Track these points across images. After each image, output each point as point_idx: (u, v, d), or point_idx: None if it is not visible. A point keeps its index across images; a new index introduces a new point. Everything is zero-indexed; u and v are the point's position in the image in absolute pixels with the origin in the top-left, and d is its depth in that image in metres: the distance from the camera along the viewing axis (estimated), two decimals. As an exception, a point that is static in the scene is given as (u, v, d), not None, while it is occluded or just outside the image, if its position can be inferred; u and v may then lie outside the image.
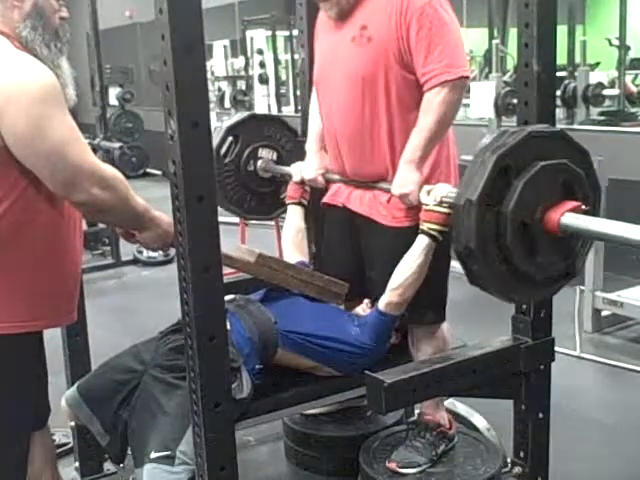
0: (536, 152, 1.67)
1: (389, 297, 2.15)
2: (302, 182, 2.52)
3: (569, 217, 1.64)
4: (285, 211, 2.63)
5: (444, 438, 2.33)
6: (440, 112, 2.14)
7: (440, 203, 2.02)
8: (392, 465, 2.24)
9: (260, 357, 2.10)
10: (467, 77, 2.18)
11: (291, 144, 2.76)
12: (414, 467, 2.24)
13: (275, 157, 2.71)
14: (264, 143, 2.71)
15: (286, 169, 2.61)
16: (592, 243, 1.82)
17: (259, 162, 2.69)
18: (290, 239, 2.54)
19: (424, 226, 2.06)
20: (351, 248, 2.41)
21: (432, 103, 2.14)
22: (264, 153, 2.70)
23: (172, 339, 2.06)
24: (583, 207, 1.67)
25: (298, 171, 2.52)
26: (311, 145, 2.53)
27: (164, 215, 1.95)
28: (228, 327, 1.99)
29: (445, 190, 2.02)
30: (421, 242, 2.08)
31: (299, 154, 2.63)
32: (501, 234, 1.64)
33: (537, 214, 1.66)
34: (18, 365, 1.86)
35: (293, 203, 2.57)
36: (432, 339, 2.31)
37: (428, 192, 2.07)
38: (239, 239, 4.99)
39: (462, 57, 2.18)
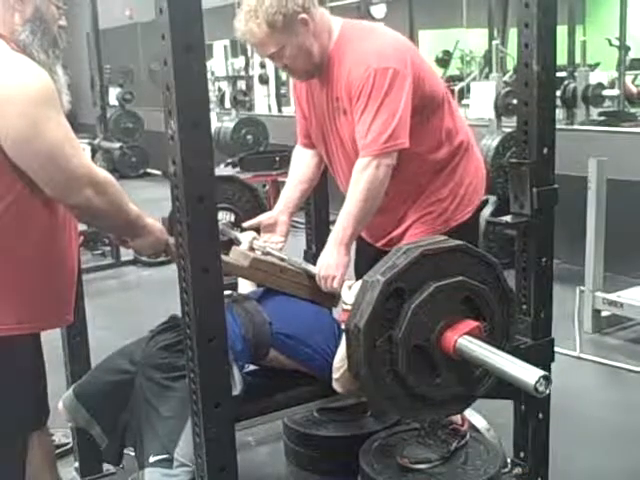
0: (431, 270, 1.63)
1: (335, 385, 2.10)
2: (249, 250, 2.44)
3: (465, 340, 1.60)
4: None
5: (457, 435, 2.33)
6: (365, 192, 2.14)
7: None
8: (404, 461, 2.24)
9: (251, 356, 2.10)
10: (395, 150, 2.14)
11: (250, 204, 2.69)
12: (426, 463, 2.24)
13: (233, 219, 2.64)
14: (221, 205, 2.62)
15: (239, 236, 2.51)
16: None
17: None
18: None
19: (343, 325, 1.91)
20: None
21: (359, 182, 2.15)
22: (220, 216, 2.62)
23: (162, 339, 2.06)
24: (483, 326, 1.63)
25: (246, 241, 2.44)
26: (280, 213, 2.49)
27: (157, 222, 1.96)
28: None
29: None
30: (345, 341, 1.98)
31: (259, 214, 2.57)
32: (394, 359, 1.61)
33: (434, 335, 1.62)
34: (16, 366, 1.86)
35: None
36: None
37: (349, 287, 2.00)
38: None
39: (394, 130, 2.13)
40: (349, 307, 1.90)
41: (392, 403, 1.67)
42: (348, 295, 1.99)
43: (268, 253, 2.38)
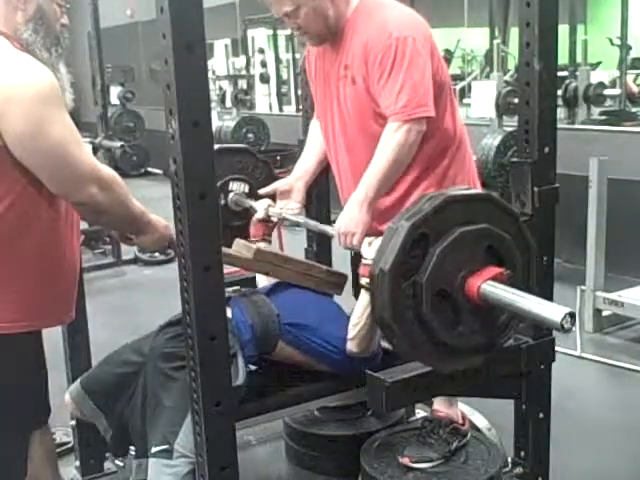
0: (456, 217, 1.64)
1: (349, 345, 2.12)
2: (264, 219, 2.48)
3: (489, 286, 1.60)
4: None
5: (457, 434, 2.33)
6: (395, 154, 2.14)
7: None
8: (405, 460, 2.24)
9: (260, 347, 2.10)
10: (426, 117, 2.15)
11: (264, 176, 2.69)
12: (427, 462, 2.24)
13: (247, 190, 2.65)
14: (235, 176, 2.64)
15: (255, 204, 2.55)
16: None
17: (230, 195, 2.62)
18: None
19: (363, 281, 1.96)
20: None
21: (388, 143, 2.14)
22: (235, 186, 2.63)
23: (171, 330, 2.07)
24: (506, 273, 1.63)
25: (262, 209, 2.48)
26: (297, 179, 2.53)
27: (160, 219, 1.97)
28: (230, 314, 2.00)
29: None
30: (363, 298, 2.02)
31: None
32: (419, 303, 1.61)
33: (457, 281, 1.62)
34: (17, 365, 1.86)
35: (257, 241, 2.51)
36: None
37: (369, 244, 1.99)
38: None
39: (420, 98, 2.14)
40: (369, 262, 1.89)
41: (415, 350, 1.68)
42: (368, 251, 1.96)
43: (284, 218, 2.41)
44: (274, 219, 2.48)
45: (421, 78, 2.14)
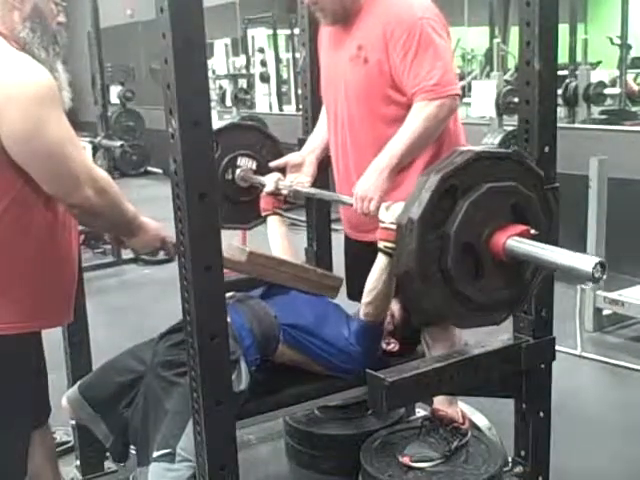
0: (486, 173, 1.65)
1: (365, 309, 2.13)
2: (274, 193, 2.51)
3: (514, 241, 1.62)
4: (261, 222, 2.64)
5: (458, 433, 2.33)
6: (424, 126, 2.14)
7: None
8: (405, 459, 2.25)
9: (261, 351, 2.10)
10: (457, 95, 2.18)
11: (272, 154, 2.70)
12: (427, 461, 2.24)
13: (254, 167, 2.67)
14: (244, 152, 2.67)
15: (263, 179, 2.58)
16: (542, 273, 1.77)
17: (238, 171, 2.65)
18: (279, 247, 2.53)
19: (381, 244, 1.99)
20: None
21: (418, 115, 2.15)
22: (243, 162, 2.66)
23: (172, 337, 2.07)
24: (532, 231, 1.64)
25: (271, 182, 2.50)
26: (309, 153, 2.56)
27: (152, 221, 1.97)
28: (228, 320, 2.00)
29: None
30: (380, 260, 2.04)
31: None
32: (444, 255, 1.62)
33: (483, 236, 1.64)
34: (17, 365, 1.86)
35: (268, 214, 2.56)
36: (446, 339, 2.31)
37: (387, 208, 2.00)
38: (240, 238, 4.97)
39: (450, 77, 2.18)
40: (387, 225, 1.91)
41: (437, 303, 1.68)
42: (386, 215, 1.97)
43: (296, 191, 2.42)
44: (284, 192, 2.49)
45: (448, 58, 2.18)
